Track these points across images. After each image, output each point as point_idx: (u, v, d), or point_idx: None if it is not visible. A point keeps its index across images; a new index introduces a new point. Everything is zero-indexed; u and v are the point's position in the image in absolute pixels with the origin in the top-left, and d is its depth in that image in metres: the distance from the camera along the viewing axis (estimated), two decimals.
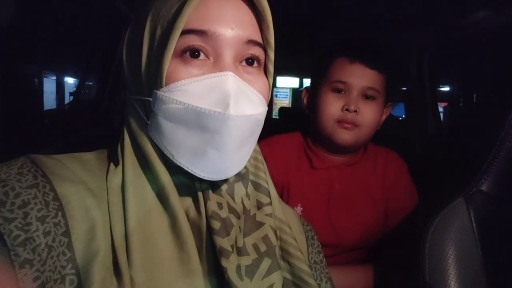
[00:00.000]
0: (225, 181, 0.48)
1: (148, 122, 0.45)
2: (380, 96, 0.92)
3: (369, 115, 0.91)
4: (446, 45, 1.57)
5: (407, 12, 1.27)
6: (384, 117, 0.97)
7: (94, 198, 0.42)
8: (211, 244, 0.43)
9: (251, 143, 0.48)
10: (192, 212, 0.45)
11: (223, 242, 0.42)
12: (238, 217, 0.47)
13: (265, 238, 0.47)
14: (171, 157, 0.44)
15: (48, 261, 0.37)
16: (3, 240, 0.35)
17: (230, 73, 0.42)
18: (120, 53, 0.51)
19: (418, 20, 1.34)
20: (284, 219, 0.53)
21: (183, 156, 0.43)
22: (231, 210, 0.47)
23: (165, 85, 0.42)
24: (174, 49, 0.42)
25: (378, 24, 1.44)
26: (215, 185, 0.47)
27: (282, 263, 0.50)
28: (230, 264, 0.41)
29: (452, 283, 0.64)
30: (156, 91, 0.42)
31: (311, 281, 0.48)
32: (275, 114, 4.90)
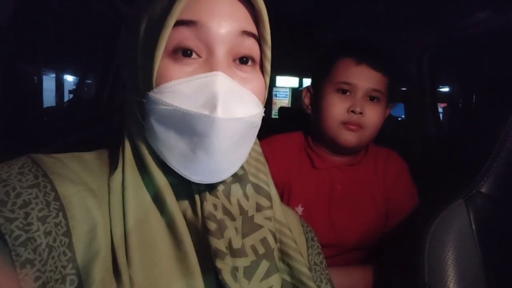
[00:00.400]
0: (221, 182, 0.47)
1: (144, 124, 0.45)
2: (383, 98, 0.92)
3: (373, 116, 0.91)
4: (446, 46, 1.57)
5: (407, 12, 1.27)
6: (385, 117, 0.97)
7: (95, 199, 0.42)
8: (208, 245, 0.43)
9: (246, 145, 0.47)
10: (189, 213, 0.45)
11: (218, 243, 0.42)
12: (233, 219, 0.47)
13: (263, 241, 0.47)
14: (164, 160, 0.43)
15: (49, 261, 0.37)
16: (4, 240, 0.35)
17: (220, 73, 0.41)
18: (119, 53, 0.51)
19: (418, 20, 1.34)
20: (284, 221, 0.52)
21: (175, 159, 0.43)
22: (226, 211, 0.46)
23: (157, 85, 0.41)
24: (166, 47, 0.41)
25: (378, 24, 1.43)
26: (211, 186, 0.46)
27: (281, 265, 0.50)
28: (224, 266, 0.41)
29: (452, 284, 0.64)
30: (148, 92, 0.42)
31: (311, 283, 0.48)
32: (274, 114, 4.90)
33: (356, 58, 0.90)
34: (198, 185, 0.45)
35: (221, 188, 0.47)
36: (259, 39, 0.46)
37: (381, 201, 0.97)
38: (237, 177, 0.49)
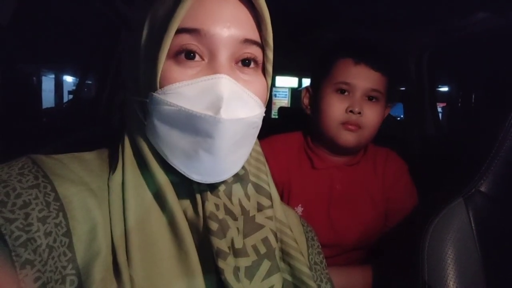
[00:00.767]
0: (223, 182, 0.47)
1: (145, 123, 0.45)
2: (382, 97, 0.93)
3: (372, 116, 0.91)
4: (445, 46, 1.57)
5: (407, 12, 1.27)
6: (383, 117, 0.98)
7: (95, 199, 0.42)
8: (210, 245, 0.43)
9: (247, 145, 0.47)
10: (190, 212, 0.45)
11: (220, 243, 0.42)
12: (235, 219, 0.47)
13: (265, 240, 0.47)
14: (166, 159, 0.44)
15: (49, 262, 0.37)
16: (4, 241, 0.35)
17: (224, 75, 0.41)
18: (120, 53, 0.51)
19: (417, 20, 1.34)
20: (285, 221, 0.53)
21: (177, 158, 0.43)
22: (228, 211, 0.46)
23: (161, 87, 0.42)
24: (169, 50, 0.42)
25: (377, 24, 1.43)
26: (213, 186, 0.47)
27: (282, 265, 0.50)
28: (226, 266, 0.41)
29: (451, 283, 0.64)
30: (151, 92, 0.42)
31: (311, 283, 0.49)
32: (274, 114, 4.90)
33: (355, 58, 0.90)
34: (200, 185, 0.45)
35: (222, 188, 0.48)
36: (261, 42, 0.47)
37: (381, 201, 0.97)
38: (238, 177, 0.50)
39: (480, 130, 0.79)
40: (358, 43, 0.97)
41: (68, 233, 0.39)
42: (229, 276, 0.41)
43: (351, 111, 0.89)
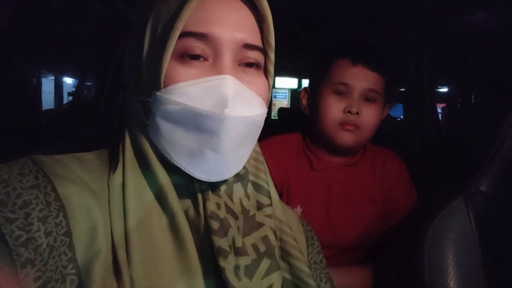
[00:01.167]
0: (224, 181, 0.48)
1: (148, 123, 0.45)
2: (380, 98, 0.93)
3: (370, 116, 0.91)
4: (444, 46, 1.57)
5: (406, 12, 1.27)
6: (382, 118, 0.98)
7: (95, 199, 0.42)
8: (210, 244, 0.43)
9: (249, 145, 0.48)
10: (191, 212, 0.45)
11: (221, 242, 0.42)
12: (236, 218, 0.47)
13: (264, 239, 0.47)
14: (168, 158, 0.44)
15: (49, 261, 0.37)
16: (4, 241, 0.35)
17: (229, 76, 0.42)
18: (120, 53, 0.51)
19: (416, 20, 1.34)
20: (284, 219, 0.53)
21: (181, 157, 0.43)
22: (229, 210, 0.47)
23: (164, 87, 0.42)
24: (173, 50, 0.42)
25: (377, 24, 1.44)
26: (214, 186, 0.47)
27: (282, 263, 0.50)
28: (227, 264, 0.42)
29: (452, 283, 0.64)
30: (155, 92, 0.43)
31: (311, 281, 0.49)
32: (274, 115, 4.91)
33: (352, 59, 0.91)
34: (201, 184, 0.45)
35: (223, 187, 0.48)
36: (263, 43, 0.47)
37: (380, 201, 0.97)
38: (239, 177, 0.50)
39: (480, 130, 0.79)
40: (355, 44, 0.97)
41: (68, 233, 0.39)
42: (229, 275, 0.41)
43: (349, 112, 0.89)
